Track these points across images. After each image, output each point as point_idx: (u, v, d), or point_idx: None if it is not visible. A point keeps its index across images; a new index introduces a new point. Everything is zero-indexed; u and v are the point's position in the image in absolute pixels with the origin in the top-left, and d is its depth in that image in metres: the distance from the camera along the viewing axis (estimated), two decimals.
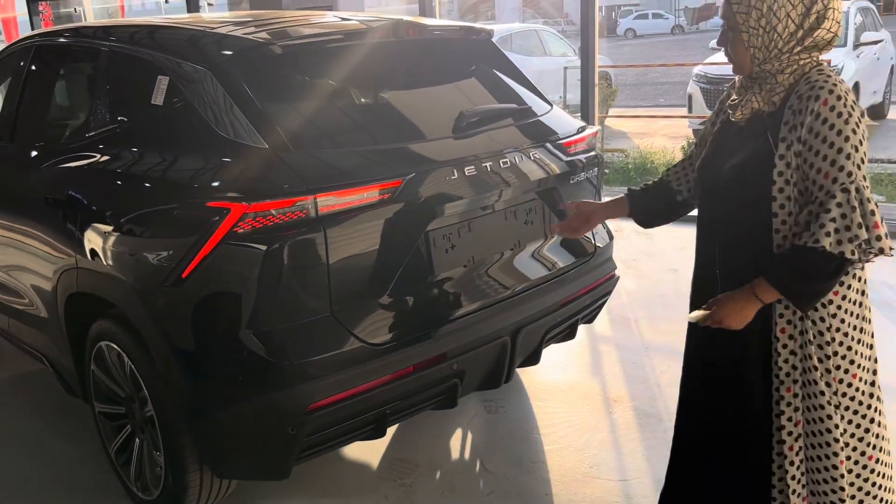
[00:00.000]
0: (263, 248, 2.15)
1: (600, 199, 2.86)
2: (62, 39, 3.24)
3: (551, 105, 3.12)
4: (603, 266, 3.08)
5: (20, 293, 3.28)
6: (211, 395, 2.33)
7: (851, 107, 1.71)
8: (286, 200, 2.15)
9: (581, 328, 3.24)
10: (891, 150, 8.21)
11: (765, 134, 1.80)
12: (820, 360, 1.84)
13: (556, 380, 3.68)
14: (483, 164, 2.56)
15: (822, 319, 1.82)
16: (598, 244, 3.08)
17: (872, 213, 1.69)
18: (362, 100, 2.72)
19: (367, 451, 3.14)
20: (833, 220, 1.68)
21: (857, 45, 9.53)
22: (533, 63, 10.87)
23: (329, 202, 2.18)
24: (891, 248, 1.71)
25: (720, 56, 10.09)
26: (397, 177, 2.32)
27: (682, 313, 4.43)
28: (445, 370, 2.48)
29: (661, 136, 10.22)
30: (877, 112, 10.69)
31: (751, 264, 1.84)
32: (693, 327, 2.06)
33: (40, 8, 10.75)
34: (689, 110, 9.67)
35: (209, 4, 8.95)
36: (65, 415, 3.56)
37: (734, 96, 1.92)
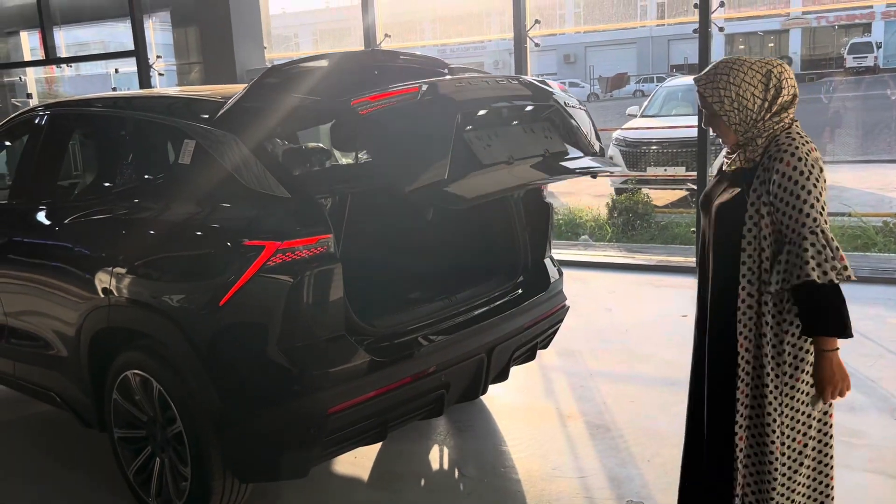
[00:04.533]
0: (291, 278, 2.61)
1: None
2: (85, 109, 3.65)
3: None
4: (557, 297, 3.64)
5: (34, 336, 3.59)
6: (242, 406, 2.73)
7: (811, 166, 2.10)
8: (310, 238, 2.63)
9: (536, 355, 3.76)
10: None
11: (743, 184, 2.23)
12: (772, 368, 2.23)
13: (515, 402, 4.18)
14: (493, 81, 3.06)
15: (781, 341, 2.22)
16: (551, 278, 3.64)
17: (837, 248, 2.09)
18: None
19: (355, 468, 3.55)
20: (812, 256, 2.06)
21: None
22: None
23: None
24: (853, 274, 2.10)
25: (637, 122, 11.12)
26: None
27: (618, 345, 5.03)
28: (436, 381, 2.96)
29: (586, 194, 11.05)
30: None
31: (729, 283, 2.25)
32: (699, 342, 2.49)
33: None
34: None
35: (160, 75, 9.35)
36: (73, 449, 3.85)
37: (729, 154, 2.34)
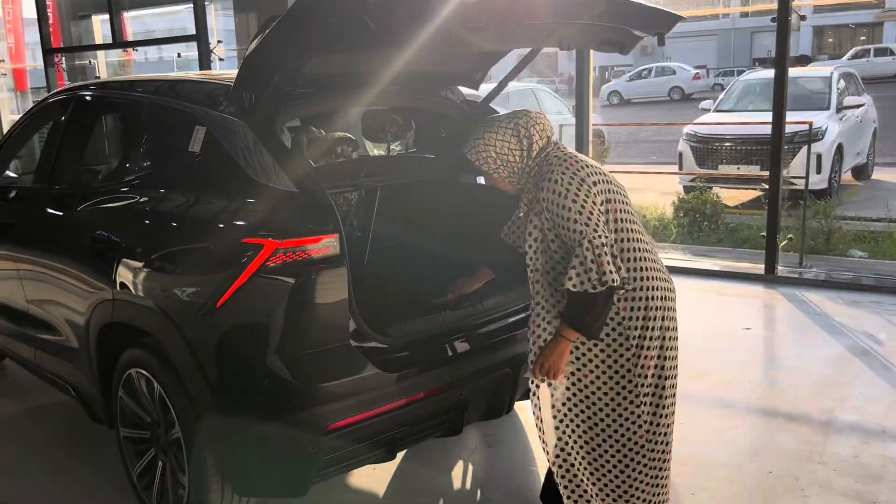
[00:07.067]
0: (292, 280, 2.38)
1: None
2: (102, 91, 3.52)
3: None
4: None
5: (50, 325, 3.49)
6: (238, 416, 2.52)
7: (568, 184, 2.31)
8: (313, 238, 2.40)
9: None
10: (875, 209, 8.54)
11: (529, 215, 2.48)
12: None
13: None
14: None
15: None
16: None
17: (600, 255, 2.25)
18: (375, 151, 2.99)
19: (373, 480, 3.31)
20: (574, 267, 2.27)
21: (839, 109, 9.96)
22: None
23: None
24: (614, 281, 2.25)
25: (710, 116, 10.54)
26: None
27: None
28: (453, 397, 2.69)
29: (653, 191, 10.54)
30: (861, 172, 11.09)
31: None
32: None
33: (56, 59, 11.14)
34: (680, 167, 10.04)
35: (220, 60, 9.32)
36: (86, 443, 3.75)
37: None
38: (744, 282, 6.05)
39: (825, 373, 4.30)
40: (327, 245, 2.41)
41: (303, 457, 2.44)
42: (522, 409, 3.85)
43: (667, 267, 2.58)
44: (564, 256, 2.39)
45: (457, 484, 3.33)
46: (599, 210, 2.31)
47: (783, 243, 6.35)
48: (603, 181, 2.38)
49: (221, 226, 2.60)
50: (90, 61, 11.11)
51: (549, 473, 2.74)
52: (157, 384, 2.78)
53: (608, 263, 2.25)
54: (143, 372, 2.85)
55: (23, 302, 3.69)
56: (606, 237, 2.29)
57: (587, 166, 2.39)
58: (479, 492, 3.25)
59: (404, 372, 2.56)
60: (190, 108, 2.90)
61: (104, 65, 11.89)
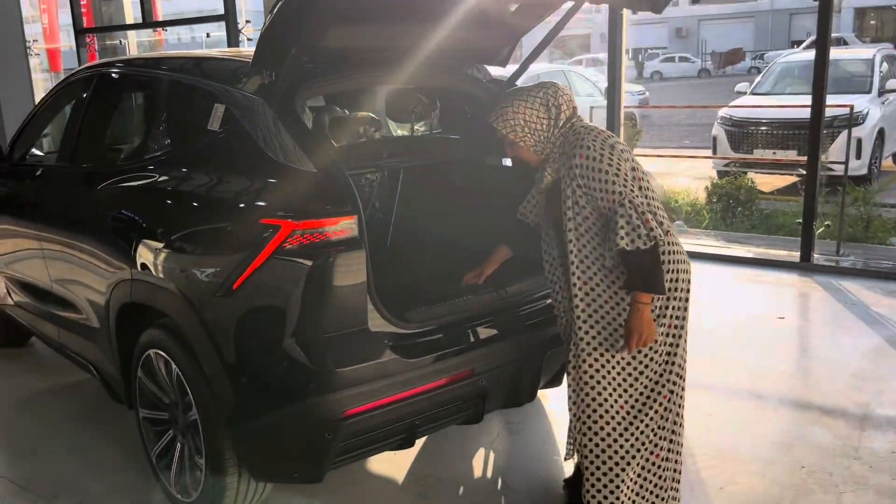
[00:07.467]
0: (309, 262, 2.33)
1: None
2: (123, 69, 3.49)
3: None
4: None
5: (73, 305, 3.48)
6: (254, 400, 2.49)
7: (601, 149, 2.37)
8: (331, 220, 2.33)
9: None
10: None
11: (558, 187, 2.51)
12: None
13: None
14: None
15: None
16: None
17: (643, 213, 2.31)
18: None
19: (393, 466, 3.27)
20: (622, 227, 2.31)
21: (882, 92, 9.65)
22: None
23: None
24: (660, 236, 2.32)
25: (746, 100, 10.28)
26: None
27: (700, 348, 4.54)
28: (474, 385, 2.62)
29: (685, 176, 10.33)
30: None
31: (564, 259, 2.53)
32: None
33: (87, 40, 11.20)
34: (714, 152, 9.83)
35: (248, 39, 9.29)
36: (108, 422, 3.75)
37: (538, 173, 2.62)
38: (778, 269, 5.88)
39: (861, 365, 4.16)
40: (346, 227, 2.35)
41: (319, 442, 2.39)
42: (545, 396, 3.78)
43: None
44: (596, 222, 2.44)
45: (478, 472, 3.28)
46: (631, 175, 2.39)
47: (820, 230, 6.16)
48: (627, 151, 2.46)
49: (240, 206, 2.55)
50: (121, 41, 11.15)
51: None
52: (175, 366, 2.75)
53: (651, 220, 2.33)
54: (162, 353, 2.82)
55: (47, 281, 3.69)
56: (642, 199, 2.36)
57: (612, 136, 2.48)
58: (500, 480, 3.19)
59: (424, 358, 2.50)
60: (210, 85, 2.85)
61: (135, 45, 11.93)
